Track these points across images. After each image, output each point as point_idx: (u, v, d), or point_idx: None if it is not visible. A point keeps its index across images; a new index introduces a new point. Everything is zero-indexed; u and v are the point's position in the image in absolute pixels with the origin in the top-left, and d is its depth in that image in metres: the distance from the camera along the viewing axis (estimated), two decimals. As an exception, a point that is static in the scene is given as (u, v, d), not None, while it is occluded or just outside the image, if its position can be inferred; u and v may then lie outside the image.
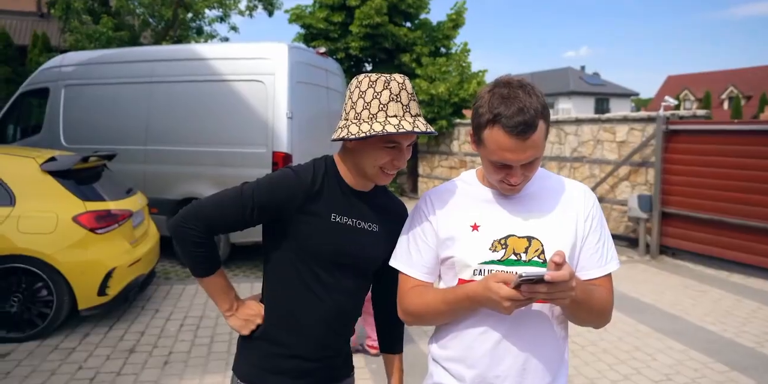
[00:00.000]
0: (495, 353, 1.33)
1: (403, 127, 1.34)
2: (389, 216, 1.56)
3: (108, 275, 4.17)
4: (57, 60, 7.31)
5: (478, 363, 1.34)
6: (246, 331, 1.52)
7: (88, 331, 4.30)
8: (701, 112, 7.46)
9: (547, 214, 1.37)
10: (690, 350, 4.16)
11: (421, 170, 13.35)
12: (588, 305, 1.30)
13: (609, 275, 1.41)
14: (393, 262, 1.48)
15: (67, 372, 3.59)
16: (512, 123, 1.22)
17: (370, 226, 1.51)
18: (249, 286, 5.50)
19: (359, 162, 1.45)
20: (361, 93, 1.39)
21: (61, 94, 6.96)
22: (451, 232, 1.38)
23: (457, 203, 1.42)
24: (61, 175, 4.31)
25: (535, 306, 1.32)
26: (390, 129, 1.34)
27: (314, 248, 1.45)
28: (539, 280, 1.12)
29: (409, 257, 1.44)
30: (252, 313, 1.53)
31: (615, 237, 7.88)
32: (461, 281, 1.35)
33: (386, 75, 1.40)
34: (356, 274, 1.52)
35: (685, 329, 4.61)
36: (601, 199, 8.26)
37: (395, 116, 1.36)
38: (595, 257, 1.38)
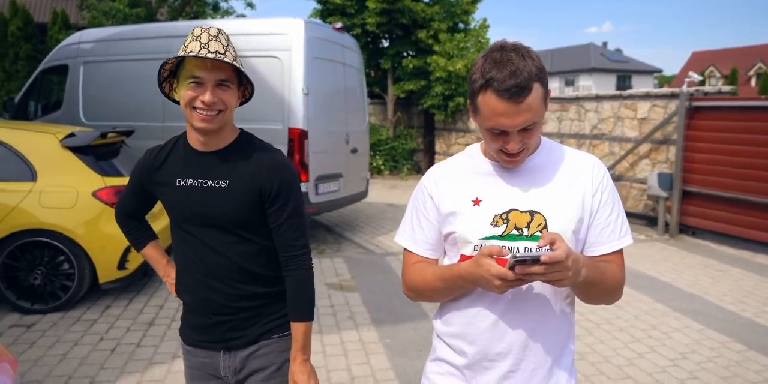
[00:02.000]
0: (496, 330, 1.31)
1: (183, 54, 1.42)
2: (242, 171, 1.55)
3: (127, 250, 4.24)
4: (75, 37, 7.34)
5: (478, 339, 1.33)
6: (174, 292, 1.74)
7: (109, 304, 4.41)
8: (726, 88, 7.24)
9: (552, 187, 1.32)
10: (707, 329, 4.12)
11: (437, 148, 13.26)
12: (601, 284, 1.27)
13: (621, 251, 1.36)
14: (397, 238, 1.47)
15: (89, 343, 3.69)
16: (504, 86, 1.18)
17: (218, 183, 1.54)
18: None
19: (182, 109, 1.50)
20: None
21: (80, 70, 7.00)
22: (453, 207, 1.35)
23: (459, 178, 1.38)
24: (81, 151, 4.36)
25: (537, 283, 1.26)
26: (181, 55, 1.43)
27: (173, 213, 1.60)
28: (534, 260, 1.09)
29: (413, 234, 1.43)
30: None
31: (634, 215, 7.80)
32: (463, 257, 1.33)
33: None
34: (217, 231, 1.56)
35: (704, 308, 4.56)
36: (620, 178, 8.13)
37: (191, 51, 1.42)
38: (607, 232, 1.33)
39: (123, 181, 4.42)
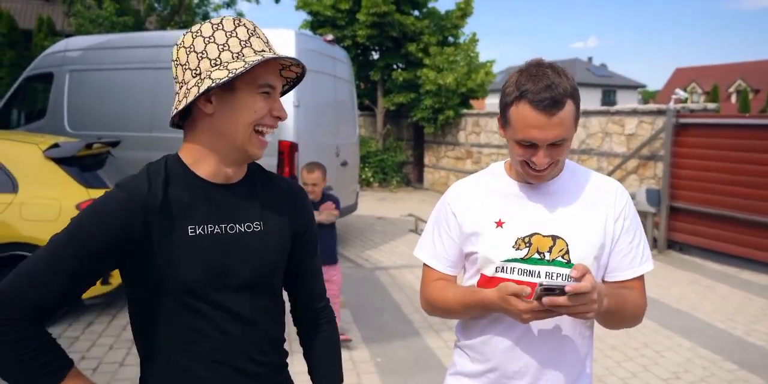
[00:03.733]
0: (515, 349, 1.32)
1: (260, 58, 1.07)
2: (272, 207, 1.18)
3: (111, 264, 4.13)
4: (61, 45, 7.23)
5: (494, 357, 1.34)
6: None
7: (91, 320, 4.28)
8: (711, 105, 7.35)
9: (575, 212, 1.33)
10: (698, 348, 4.11)
11: (426, 160, 13.27)
12: (622, 313, 1.29)
13: (642, 276, 1.38)
14: (417, 253, 1.47)
15: (70, 361, 3.56)
16: (538, 98, 1.19)
17: (249, 227, 1.13)
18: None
19: (226, 128, 1.08)
20: (206, 40, 1.08)
21: (65, 79, 6.89)
22: (476, 227, 1.35)
23: (482, 197, 1.38)
24: (65, 162, 4.25)
25: None
26: (268, 56, 1.06)
27: (180, 278, 1.07)
28: (561, 290, 1.09)
29: (434, 249, 1.43)
30: None
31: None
32: (483, 277, 1.34)
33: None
34: (253, 294, 1.13)
35: (693, 326, 4.55)
36: (608, 193, 8.18)
37: (263, 50, 1.08)
38: (628, 258, 1.34)
39: (108, 193, 4.32)
